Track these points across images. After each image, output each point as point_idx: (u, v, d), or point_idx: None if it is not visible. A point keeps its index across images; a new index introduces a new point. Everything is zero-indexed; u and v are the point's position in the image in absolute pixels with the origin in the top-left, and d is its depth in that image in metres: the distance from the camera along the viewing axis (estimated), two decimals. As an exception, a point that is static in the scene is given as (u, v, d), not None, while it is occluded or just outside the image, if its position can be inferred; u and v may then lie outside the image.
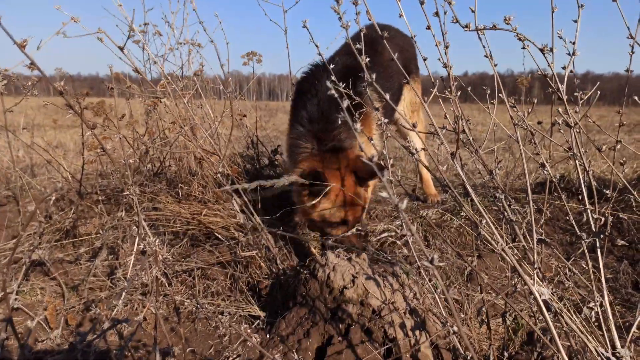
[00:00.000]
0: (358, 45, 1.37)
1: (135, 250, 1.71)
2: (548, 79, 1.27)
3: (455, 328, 0.97)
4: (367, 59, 1.38)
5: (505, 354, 1.67)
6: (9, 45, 1.36)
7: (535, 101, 1.43)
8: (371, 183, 2.53)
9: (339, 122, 2.33)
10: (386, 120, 1.39)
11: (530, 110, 1.30)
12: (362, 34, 1.45)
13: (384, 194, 0.81)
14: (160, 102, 2.68)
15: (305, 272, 2.06)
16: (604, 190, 1.43)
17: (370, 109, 2.20)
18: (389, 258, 2.38)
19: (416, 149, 1.16)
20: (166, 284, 1.83)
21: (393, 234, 2.78)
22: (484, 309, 1.51)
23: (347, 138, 2.43)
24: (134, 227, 2.39)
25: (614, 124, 1.94)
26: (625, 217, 1.30)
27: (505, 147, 6.04)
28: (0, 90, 2.38)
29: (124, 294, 1.31)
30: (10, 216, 3.09)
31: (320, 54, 1.58)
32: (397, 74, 3.00)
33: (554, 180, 1.20)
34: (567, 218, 3.19)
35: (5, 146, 4.85)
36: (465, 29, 1.24)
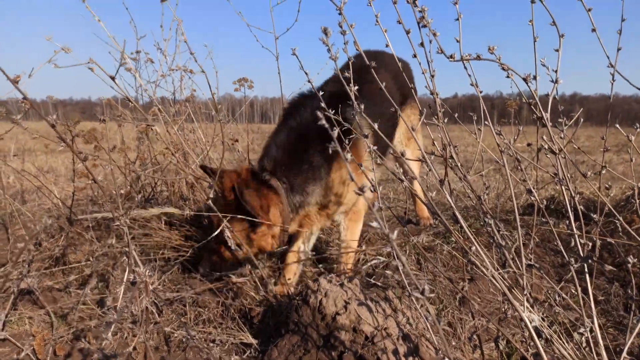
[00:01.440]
0: (347, 74, 1.40)
1: (125, 279, 1.69)
2: (532, 107, 1.29)
3: (446, 359, 0.97)
4: (356, 87, 1.41)
5: (499, 379, 1.66)
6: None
7: (521, 128, 1.46)
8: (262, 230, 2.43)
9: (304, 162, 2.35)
10: (375, 147, 1.41)
11: (516, 136, 1.32)
12: (350, 62, 1.47)
13: (374, 224, 0.82)
14: (152, 129, 2.69)
15: (298, 298, 2.05)
16: (591, 214, 1.45)
17: (360, 137, 2.23)
18: (380, 284, 2.37)
19: (406, 175, 1.17)
20: (156, 313, 1.81)
21: (383, 259, 2.78)
22: (476, 335, 1.51)
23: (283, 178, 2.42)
24: (124, 256, 2.37)
25: (601, 145, 1.98)
26: (613, 242, 1.32)
27: (496, 169, 6.10)
28: (-8, 117, 2.39)
29: (112, 325, 1.30)
30: (0, 244, 3.05)
31: (309, 81, 1.61)
32: (393, 99, 2.98)
33: (542, 205, 1.22)
34: (562, 236, 3.21)
35: (-4, 172, 4.83)
36: (450, 59, 1.27)
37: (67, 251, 2.66)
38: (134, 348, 1.97)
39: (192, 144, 3.55)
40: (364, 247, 3.04)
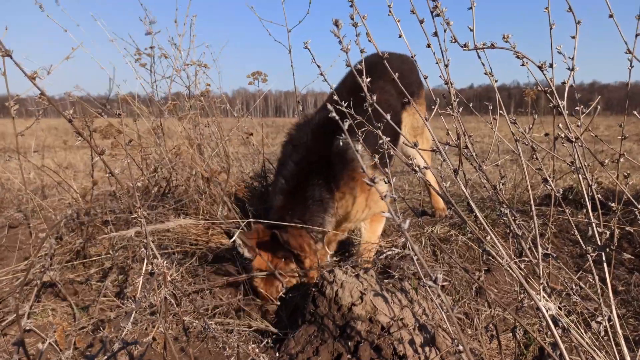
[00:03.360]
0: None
1: (144, 270, 1.72)
2: (548, 95, 1.28)
3: (460, 347, 0.97)
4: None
5: (516, 369, 1.65)
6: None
7: (536, 116, 1.44)
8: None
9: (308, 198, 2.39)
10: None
11: (531, 125, 1.31)
12: (351, 74, 1.47)
13: (386, 214, 0.83)
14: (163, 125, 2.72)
15: (314, 289, 2.07)
16: (609, 203, 1.43)
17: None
18: (396, 275, 2.38)
19: (418, 166, 1.17)
20: (175, 304, 1.84)
21: (398, 251, 2.77)
22: (492, 323, 1.51)
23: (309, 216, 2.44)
24: (143, 248, 2.42)
25: (611, 149, 1.95)
26: (632, 230, 1.29)
27: (513, 159, 6.03)
28: (12, 114, 2.44)
29: (133, 314, 1.32)
30: (22, 238, 3.12)
31: (322, 74, 1.61)
32: (394, 101, 2.98)
33: (558, 195, 1.21)
34: (580, 227, 3.17)
35: (17, 168, 4.93)
36: (464, 48, 1.26)
37: (87, 244, 2.72)
38: (154, 338, 2.01)
39: (207, 138, 3.58)
40: (379, 240, 3.04)
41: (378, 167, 1.31)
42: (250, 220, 2.36)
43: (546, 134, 1.83)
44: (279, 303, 2.31)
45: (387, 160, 1.40)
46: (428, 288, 1.60)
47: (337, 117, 0.88)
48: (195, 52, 3.51)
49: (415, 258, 0.92)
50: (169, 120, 3.55)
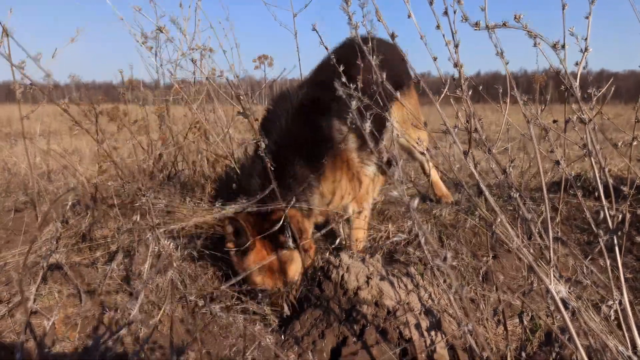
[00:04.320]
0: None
1: (150, 253, 1.73)
2: (561, 77, 1.25)
3: (470, 326, 0.96)
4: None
5: (523, 354, 1.65)
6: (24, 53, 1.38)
7: (549, 97, 1.41)
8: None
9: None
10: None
11: (543, 107, 1.28)
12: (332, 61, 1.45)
13: (394, 193, 0.81)
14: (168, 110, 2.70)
15: (319, 273, 2.06)
16: (621, 187, 1.41)
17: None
18: (402, 260, 2.37)
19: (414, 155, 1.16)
20: (181, 287, 1.85)
21: (405, 236, 2.76)
22: (500, 308, 1.50)
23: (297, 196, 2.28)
24: (149, 232, 2.42)
25: (631, 121, 1.92)
26: (644, 214, 1.28)
27: (520, 147, 5.98)
28: (18, 97, 2.43)
29: (140, 296, 1.32)
30: (28, 221, 3.13)
31: (330, 55, 1.59)
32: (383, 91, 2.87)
33: (569, 177, 1.19)
34: (584, 217, 3.14)
35: (23, 153, 4.94)
36: (475, 27, 1.23)
37: (93, 228, 2.72)
38: (160, 321, 2.01)
39: (213, 123, 3.56)
40: (387, 226, 3.03)
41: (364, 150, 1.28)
42: (231, 206, 2.20)
43: (554, 121, 1.80)
44: (284, 289, 2.25)
45: (375, 142, 1.34)
46: (436, 270, 1.59)
47: (342, 94, 0.85)
48: (200, 36, 3.46)
49: (422, 238, 0.91)
50: (173, 107, 3.54)
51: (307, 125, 2.44)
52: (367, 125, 0.76)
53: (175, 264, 1.27)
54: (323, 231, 2.42)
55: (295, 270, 2.28)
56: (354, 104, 0.83)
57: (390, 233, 2.87)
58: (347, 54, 1.95)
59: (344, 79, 0.89)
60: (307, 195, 2.36)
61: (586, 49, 1.20)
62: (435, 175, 3.55)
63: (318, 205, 2.44)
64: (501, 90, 1.55)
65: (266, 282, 2.23)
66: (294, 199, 2.17)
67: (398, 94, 1.20)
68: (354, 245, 2.65)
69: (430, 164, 3.56)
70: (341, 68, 1.20)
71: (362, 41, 3.17)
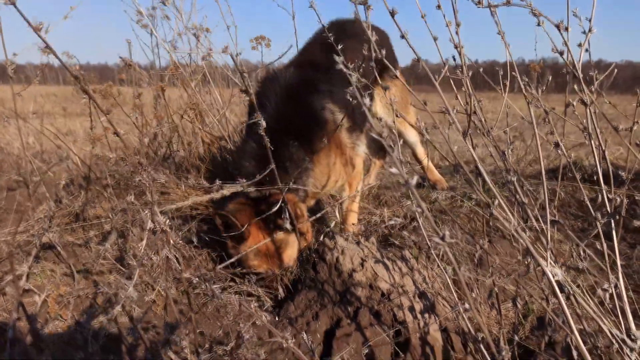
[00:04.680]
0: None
1: (146, 229, 1.70)
2: (563, 57, 1.24)
3: (467, 305, 0.96)
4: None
5: (516, 337, 1.65)
6: (17, 34, 1.35)
7: (547, 84, 1.40)
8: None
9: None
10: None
11: (544, 88, 1.27)
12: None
13: (393, 170, 0.80)
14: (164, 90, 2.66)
15: (314, 255, 2.06)
16: (620, 172, 1.41)
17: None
18: (397, 243, 2.37)
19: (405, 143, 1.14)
20: (176, 267, 1.84)
21: (400, 220, 2.76)
22: (495, 290, 1.50)
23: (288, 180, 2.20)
24: (145, 212, 2.40)
25: (627, 112, 1.91)
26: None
27: (516, 135, 5.99)
28: (10, 74, 2.38)
29: (136, 273, 1.31)
30: (21, 200, 3.11)
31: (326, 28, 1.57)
32: (366, 73, 2.78)
33: (568, 159, 1.18)
34: (579, 204, 3.15)
35: (16, 132, 4.88)
36: (478, 5, 1.21)
37: (86, 208, 2.70)
38: (154, 300, 2.01)
39: (209, 104, 3.53)
40: (382, 210, 3.03)
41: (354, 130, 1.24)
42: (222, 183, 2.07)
43: (552, 109, 1.79)
44: (279, 272, 2.23)
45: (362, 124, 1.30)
46: (433, 252, 1.59)
47: (347, 71, 0.83)
48: (197, 15, 3.42)
49: (421, 219, 0.90)
50: (169, 90, 3.49)
51: (298, 106, 2.40)
52: (367, 101, 0.74)
53: (171, 241, 1.25)
54: (318, 215, 2.41)
55: (292, 253, 2.27)
56: (354, 78, 0.81)
57: (386, 217, 2.87)
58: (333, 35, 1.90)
59: (340, 58, 0.87)
60: (302, 178, 2.32)
61: (590, 30, 1.18)
62: (428, 160, 3.54)
63: (312, 188, 2.42)
64: (502, 73, 1.53)
65: (262, 266, 2.22)
66: (292, 182, 2.15)
67: (398, 72, 1.18)
68: (349, 228, 2.65)
69: (422, 149, 3.55)
70: (339, 47, 1.17)
71: (347, 24, 3.10)
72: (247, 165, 2.28)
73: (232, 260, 2.08)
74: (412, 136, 3.44)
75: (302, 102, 2.41)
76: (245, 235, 2.12)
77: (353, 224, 2.69)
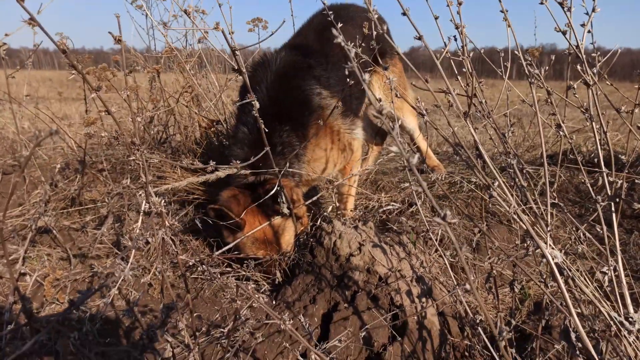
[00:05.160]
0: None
1: (141, 210, 1.68)
2: (566, 37, 1.21)
3: (467, 286, 0.95)
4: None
5: (513, 322, 1.65)
6: (9, 19, 1.31)
7: (552, 62, 1.38)
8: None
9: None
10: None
11: (546, 68, 1.25)
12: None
13: (393, 149, 0.78)
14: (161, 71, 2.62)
15: (312, 239, 2.05)
16: (620, 156, 1.39)
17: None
18: (395, 228, 2.36)
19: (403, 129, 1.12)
20: (172, 250, 1.83)
21: (398, 205, 2.75)
22: (493, 273, 1.49)
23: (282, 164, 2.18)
24: (139, 193, 2.38)
25: (626, 99, 1.89)
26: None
27: (515, 122, 5.96)
28: (2, 55, 2.34)
29: (132, 255, 1.30)
30: (15, 184, 3.08)
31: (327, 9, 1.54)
32: (364, 51, 2.74)
33: (570, 141, 1.16)
34: (576, 189, 3.15)
35: (10, 117, 4.84)
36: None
37: (82, 192, 2.68)
38: (150, 284, 2.00)
39: (205, 89, 3.49)
40: (380, 195, 3.02)
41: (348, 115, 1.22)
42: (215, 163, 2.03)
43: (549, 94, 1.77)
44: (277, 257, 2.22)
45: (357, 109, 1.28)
46: (431, 235, 1.58)
47: (346, 47, 0.81)
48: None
49: (419, 201, 0.88)
50: (164, 75, 3.45)
51: (289, 91, 2.37)
52: (367, 76, 0.72)
53: (167, 223, 1.24)
54: (314, 198, 2.40)
55: (289, 239, 2.26)
56: (352, 53, 0.79)
57: (383, 202, 2.86)
58: (322, 22, 1.83)
59: (341, 38, 0.85)
60: (296, 164, 2.30)
61: (594, 10, 1.16)
62: (425, 146, 3.51)
63: (306, 173, 2.40)
64: (502, 55, 1.51)
65: (260, 252, 2.21)
66: (287, 165, 2.13)
67: (397, 55, 1.16)
68: (347, 213, 2.64)
69: (421, 136, 3.52)
70: (339, 25, 1.14)
71: (342, 9, 3.05)
72: (240, 153, 2.25)
73: (229, 246, 2.06)
74: (410, 122, 3.42)
75: (292, 86, 2.38)
76: (241, 225, 2.11)
77: (351, 210, 2.68)
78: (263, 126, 1.82)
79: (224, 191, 2.22)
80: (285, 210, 2.09)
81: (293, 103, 2.36)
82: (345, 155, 2.58)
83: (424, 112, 1.11)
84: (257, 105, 1.65)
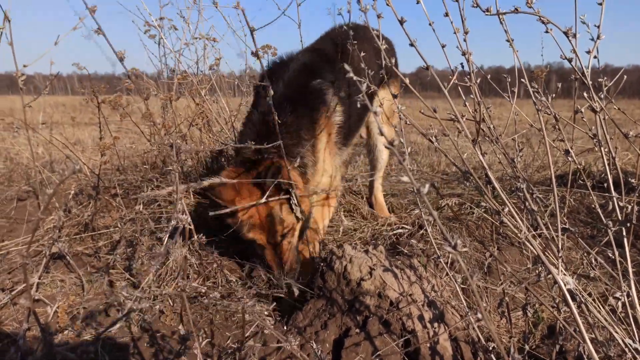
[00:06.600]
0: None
1: (172, 224, 1.69)
2: (571, 64, 1.23)
3: (479, 315, 0.95)
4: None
5: (526, 346, 1.64)
6: (28, 47, 1.36)
7: (554, 95, 1.39)
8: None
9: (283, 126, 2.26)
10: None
11: (553, 96, 1.27)
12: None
13: (404, 179, 0.80)
14: (174, 100, 2.68)
15: (322, 264, 2.05)
16: (629, 179, 1.40)
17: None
18: (406, 251, 2.36)
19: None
20: (186, 275, 1.84)
21: (408, 228, 2.75)
22: (505, 299, 1.49)
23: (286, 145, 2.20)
24: (150, 221, 2.40)
25: (635, 116, 1.90)
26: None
27: (523, 141, 5.95)
28: (20, 86, 2.41)
29: (144, 282, 1.31)
30: (31, 210, 3.13)
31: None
32: (373, 65, 2.80)
33: (579, 166, 1.17)
34: (587, 210, 3.13)
35: (25, 143, 4.93)
36: (486, 13, 1.22)
37: (95, 217, 2.71)
38: (162, 311, 2.01)
39: (216, 114, 3.55)
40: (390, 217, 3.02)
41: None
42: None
43: (560, 116, 1.79)
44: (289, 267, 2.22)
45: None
46: (442, 260, 1.58)
47: (356, 79, 0.83)
48: (203, 25, 3.45)
49: (429, 229, 0.89)
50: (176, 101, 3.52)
51: (304, 86, 2.47)
52: (379, 110, 0.74)
53: (195, 236, 1.26)
54: (312, 192, 2.42)
55: (289, 222, 2.25)
56: (364, 87, 0.81)
57: (393, 225, 2.86)
58: (340, 35, 1.89)
59: (351, 73, 0.87)
60: (298, 150, 2.33)
61: (598, 37, 1.18)
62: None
63: (311, 161, 2.44)
64: (509, 80, 1.53)
65: (260, 237, 2.22)
66: (297, 156, 2.23)
67: (407, 79, 1.19)
68: (318, 235, 2.62)
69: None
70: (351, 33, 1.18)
71: (359, 27, 3.15)
72: (249, 132, 2.33)
73: (227, 210, 2.04)
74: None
75: (308, 82, 2.48)
76: (234, 212, 2.13)
77: (323, 231, 2.67)
78: (276, 116, 1.93)
79: (223, 172, 2.27)
80: (299, 214, 2.12)
81: (307, 96, 2.45)
82: (332, 167, 2.59)
83: (433, 139, 1.13)
84: (272, 92, 1.78)
